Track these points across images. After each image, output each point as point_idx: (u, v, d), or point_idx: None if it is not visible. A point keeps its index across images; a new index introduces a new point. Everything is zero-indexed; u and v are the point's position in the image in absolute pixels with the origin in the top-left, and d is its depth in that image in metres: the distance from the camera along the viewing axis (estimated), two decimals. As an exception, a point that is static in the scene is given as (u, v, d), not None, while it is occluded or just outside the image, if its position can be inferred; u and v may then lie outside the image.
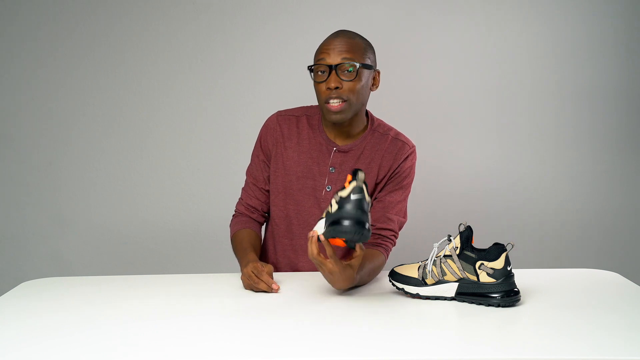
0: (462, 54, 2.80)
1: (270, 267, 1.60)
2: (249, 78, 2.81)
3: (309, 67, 1.71)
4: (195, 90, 2.83)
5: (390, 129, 1.82)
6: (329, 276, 1.49)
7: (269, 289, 1.55)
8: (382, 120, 1.84)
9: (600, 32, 2.79)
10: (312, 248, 1.47)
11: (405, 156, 1.78)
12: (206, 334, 1.28)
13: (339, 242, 1.46)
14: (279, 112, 1.86)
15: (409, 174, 1.80)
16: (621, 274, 1.71)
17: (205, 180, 2.84)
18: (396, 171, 1.78)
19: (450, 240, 1.45)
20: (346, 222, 1.37)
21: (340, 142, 1.78)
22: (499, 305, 1.40)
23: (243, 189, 1.89)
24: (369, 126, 1.80)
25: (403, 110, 2.78)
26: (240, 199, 1.89)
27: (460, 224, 1.43)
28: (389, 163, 1.77)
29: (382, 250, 1.72)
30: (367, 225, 1.38)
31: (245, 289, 1.58)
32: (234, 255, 1.79)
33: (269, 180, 1.84)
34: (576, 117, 2.83)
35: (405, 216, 1.80)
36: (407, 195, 1.81)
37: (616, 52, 2.80)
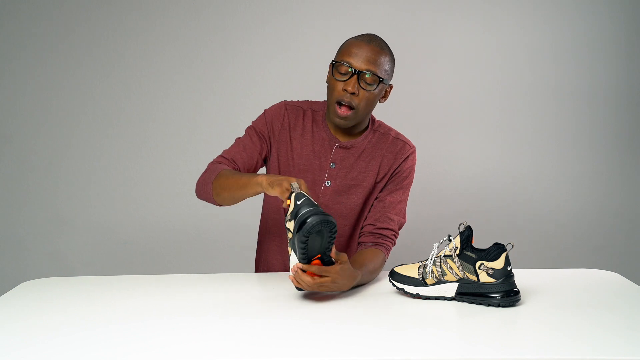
0: (463, 55, 2.80)
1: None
2: (249, 78, 2.82)
3: (332, 62, 1.70)
4: (195, 90, 2.83)
5: (390, 129, 1.83)
6: (333, 286, 1.47)
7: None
8: (382, 121, 1.85)
9: (600, 32, 2.79)
10: (305, 279, 1.44)
11: (406, 156, 1.79)
12: (206, 333, 1.28)
13: (317, 262, 1.45)
14: (287, 101, 1.84)
15: (409, 174, 1.81)
16: (621, 274, 1.71)
17: (205, 180, 2.84)
18: (397, 171, 1.78)
19: (450, 240, 1.45)
20: (310, 219, 1.37)
21: (342, 139, 1.79)
22: (499, 305, 1.40)
23: (225, 151, 1.79)
24: (370, 126, 1.82)
25: (403, 110, 2.78)
26: (221, 155, 1.77)
27: (460, 224, 1.43)
28: (389, 163, 1.78)
29: (383, 249, 1.72)
30: (327, 214, 1.38)
31: (282, 192, 1.47)
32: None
33: (261, 156, 1.79)
34: (576, 117, 2.83)
35: (404, 217, 1.81)
36: (407, 196, 1.82)
37: (616, 52, 2.80)
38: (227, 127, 2.92)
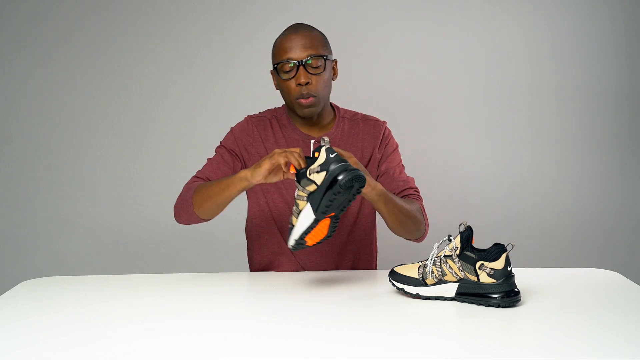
0: (462, 55, 2.80)
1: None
2: (250, 78, 2.81)
3: (273, 67, 1.71)
4: (196, 90, 2.83)
5: (355, 112, 1.86)
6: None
7: (296, 162, 1.43)
8: (343, 107, 1.88)
9: (600, 32, 2.79)
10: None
11: (382, 131, 1.83)
12: (206, 333, 1.28)
13: (327, 219, 1.44)
14: (249, 115, 1.86)
15: (393, 141, 1.85)
16: (621, 273, 1.71)
17: (205, 180, 2.85)
18: (382, 144, 1.81)
19: (450, 241, 1.45)
20: (344, 174, 1.35)
21: (315, 134, 1.80)
22: (499, 306, 1.40)
23: (198, 171, 1.79)
24: (336, 115, 1.83)
25: (404, 110, 2.78)
26: (194, 176, 1.77)
27: (461, 224, 1.43)
28: (370, 144, 1.81)
29: (416, 200, 1.74)
30: (358, 170, 1.38)
31: (278, 157, 1.46)
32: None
33: (234, 172, 1.76)
34: (576, 117, 2.83)
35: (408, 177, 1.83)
36: (401, 160, 1.85)
37: (616, 52, 2.80)
38: (227, 127, 2.92)
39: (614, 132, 2.84)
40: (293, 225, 1.45)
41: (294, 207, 1.45)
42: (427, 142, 2.81)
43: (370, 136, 1.81)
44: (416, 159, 2.80)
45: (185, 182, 1.80)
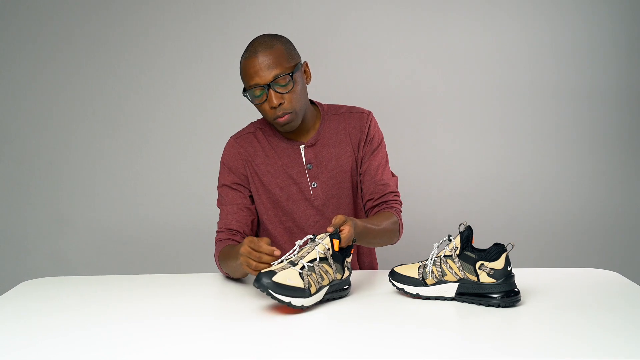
0: (463, 54, 2.80)
1: (266, 239, 1.46)
2: (249, 78, 2.81)
3: (243, 91, 1.70)
4: (196, 89, 2.83)
5: (340, 106, 1.85)
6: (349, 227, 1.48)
7: (271, 258, 1.42)
8: (327, 104, 1.86)
9: (600, 32, 2.79)
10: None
11: (368, 122, 1.81)
12: (206, 334, 1.28)
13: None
14: (233, 136, 1.85)
15: (378, 135, 1.83)
16: (621, 273, 1.71)
17: (205, 180, 2.84)
18: (367, 140, 1.80)
19: (450, 241, 1.45)
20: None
21: (304, 138, 1.79)
22: (499, 306, 1.40)
23: (218, 224, 1.79)
24: (321, 113, 1.82)
25: (404, 110, 2.78)
26: (217, 231, 1.78)
27: (461, 224, 1.43)
28: (357, 136, 1.80)
29: (391, 210, 1.75)
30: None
31: (247, 268, 1.46)
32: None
33: (246, 205, 1.79)
34: (576, 117, 2.83)
35: (394, 174, 1.84)
36: (385, 154, 1.83)
37: (616, 52, 2.80)
38: (228, 127, 2.91)
39: (614, 132, 2.84)
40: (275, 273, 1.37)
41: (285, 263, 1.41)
42: (427, 142, 2.81)
43: (356, 129, 1.80)
44: (416, 159, 2.81)
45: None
